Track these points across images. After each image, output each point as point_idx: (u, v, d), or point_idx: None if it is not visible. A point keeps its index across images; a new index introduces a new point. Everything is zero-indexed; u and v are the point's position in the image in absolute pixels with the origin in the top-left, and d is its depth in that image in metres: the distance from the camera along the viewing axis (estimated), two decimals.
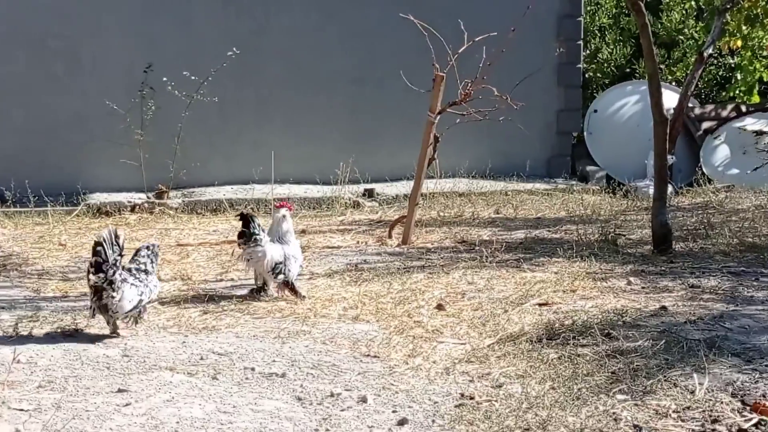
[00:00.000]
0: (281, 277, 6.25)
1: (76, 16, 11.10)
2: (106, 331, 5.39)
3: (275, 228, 6.45)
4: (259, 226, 6.25)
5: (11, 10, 10.91)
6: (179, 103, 10.79)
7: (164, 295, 6.40)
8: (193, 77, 10.77)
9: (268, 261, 6.20)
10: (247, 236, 6.21)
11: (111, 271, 5.16)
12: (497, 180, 12.02)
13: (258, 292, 6.36)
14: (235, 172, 11.42)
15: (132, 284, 5.31)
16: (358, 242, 8.64)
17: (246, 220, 6.23)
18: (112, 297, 5.17)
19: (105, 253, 5.16)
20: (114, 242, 5.26)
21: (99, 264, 5.14)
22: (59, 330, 5.42)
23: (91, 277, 5.14)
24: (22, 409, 4.13)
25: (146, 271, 5.49)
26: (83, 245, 8.38)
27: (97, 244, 5.21)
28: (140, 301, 5.32)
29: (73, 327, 5.48)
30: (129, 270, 5.40)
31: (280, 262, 6.23)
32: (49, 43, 11.02)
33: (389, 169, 11.75)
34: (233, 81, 11.36)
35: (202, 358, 4.97)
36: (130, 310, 5.29)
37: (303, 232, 9.12)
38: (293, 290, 6.29)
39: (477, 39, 8.58)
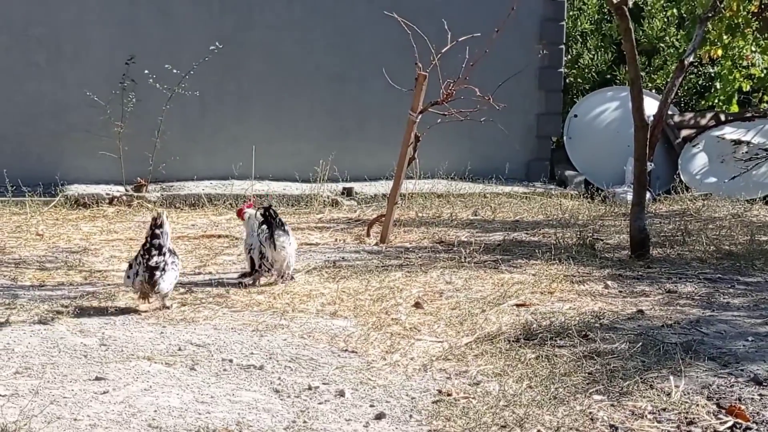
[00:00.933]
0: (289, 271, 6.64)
1: (59, 4, 11.05)
2: (83, 320, 5.37)
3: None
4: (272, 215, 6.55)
5: None
6: (160, 96, 10.76)
7: None
8: (174, 70, 10.74)
9: (288, 255, 6.55)
10: (279, 227, 6.54)
11: (168, 255, 5.67)
12: (476, 182, 12.04)
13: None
14: (215, 167, 11.39)
15: (172, 268, 5.75)
16: (336, 240, 8.64)
17: (268, 213, 6.54)
18: (162, 279, 5.62)
19: (164, 236, 5.65)
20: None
21: (161, 246, 5.64)
22: (37, 318, 5.39)
23: (155, 258, 5.59)
24: None
25: (174, 253, 5.88)
26: (60, 236, 8.35)
27: (158, 226, 5.68)
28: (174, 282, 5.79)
29: (50, 316, 5.45)
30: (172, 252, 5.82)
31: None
32: (31, 31, 10.96)
33: (369, 168, 11.75)
34: (215, 75, 11.34)
35: (180, 349, 4.96)
36: (168, 291, 5.74)
37: None
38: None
39: (460, 39, 8.61)
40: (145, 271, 5.62)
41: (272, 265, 6.48)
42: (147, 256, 5.63)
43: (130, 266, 5.72)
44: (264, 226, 6.47)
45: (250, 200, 7.08)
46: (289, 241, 6.54)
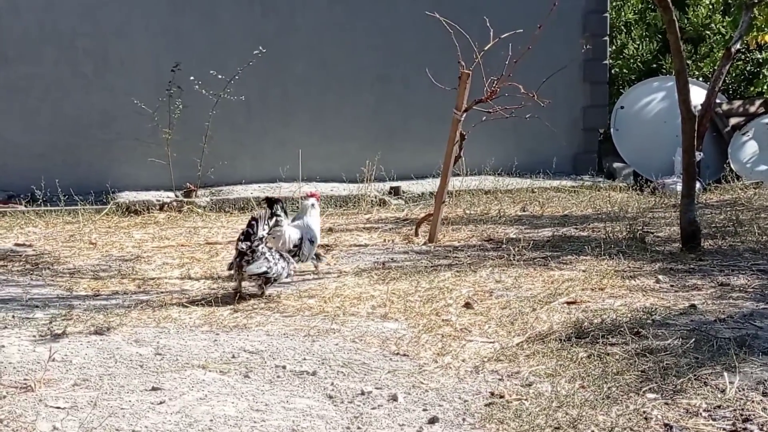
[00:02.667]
0: (296, 258, 6.85)
1: (104, 16, 11.21)
2: (138, 329, 5.46)
3: (301, 214, 7.15)
4: (282, 209, 6.84)
5: (41, 11, 11.01)
6: (206, 101, 10.86)
7: (195, 294, 6.47)
8: (219, 76, 10.84)
9: (285, 241, 6.81)
10: (278, 216, 6.82)
11: (256, 243, 6.24)
12: (523, 177, 12.01)
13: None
14: (262, 170, 11.48)
15: (265, 258, 6.28)
16: (384, 240, 8.67)
17: (270, 203, 6.78)
18: (247, 262, 6.22)
19: (256, 227, 6.23)
20: (267, 222, 6.43)
21: (249, 235, 6.22)
22: (93, 328, 5.48)
23: (240, 244, 6.22)
24: (58, 407, 4.19)
25: (282, 257, 6.49)
26: (113, 244, 8.47)
27: (253, 219, 6.29)
28: (266, 272, 6.27)
29: (106, 326, 5.54)
30: (270, 249, 6.42)
31: (297, 245, 6.90)
32: (78, 43, 11.13)
33: (415, 166, 11.77)
34: (259, 79, 11.42)
35: (233, 357, 5.01)
36: (257, 274, 6.26)
37: (330, 230, 9.17)
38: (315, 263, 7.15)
39: (503, 36, 8.59)
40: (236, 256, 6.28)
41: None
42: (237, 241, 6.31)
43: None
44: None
45: (312, 192, 7.64)
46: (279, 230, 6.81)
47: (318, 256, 7.27)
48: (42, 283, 6.90)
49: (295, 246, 6.88)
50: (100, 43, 11.19)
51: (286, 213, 6.90)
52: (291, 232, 6.88)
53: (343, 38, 11.98)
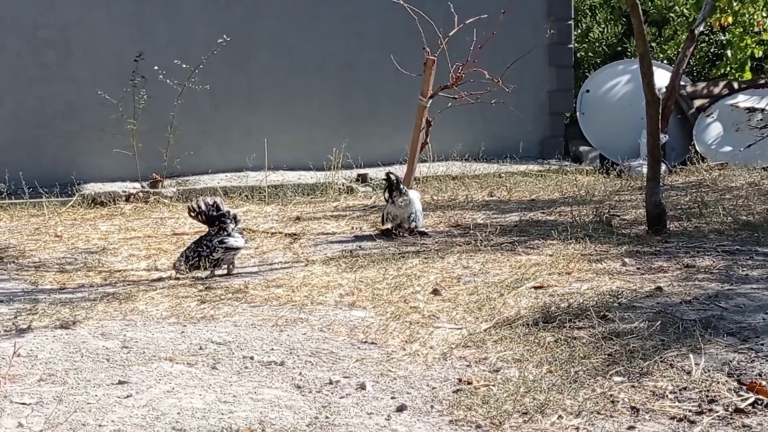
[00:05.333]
0: (414, 224, 8.09)
1: (66, 6, 11.09)
2: (105, 323, 5.43)
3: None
4: (398, 181, 8.08)
5: (0, 2, 10.87)
6: (171, 91, 10.79)
7: (161, 285, 6.43)
8: (184, 65, 10.77)
9: (411, 209, 8.07)
10: (396, 189, 8.06)
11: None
12: (490, 162, 12.04)
13: (387, 233, 8.12)
14: (229, 159, 11.43)
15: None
16: (352, 228, 8.66)
17: (390, 179, 8.09)
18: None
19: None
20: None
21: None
22: (58, 322, 5.44)
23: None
24: (24, 403, 4.16)
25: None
26: (79, 236, 8.41)
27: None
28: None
29: (72, 319, 5.49)
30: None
31: (413, 213, 8.09)
32: (40, 34, 11.00)
33: (382, 153, 11.76)
34: (224, 68, 11.36)
35: (201, 348, 4.99)
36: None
37: (297, 219, 9.15)
38: (422, 233, 8.08)
39: (467, 22, 8.59)
40: None
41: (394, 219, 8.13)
42: None
43: None
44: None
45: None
46: (406, 200, 8.09)
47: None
48: (6, 277, 6.84)
49: (412, 213, 8.08)
50: (62, 33, 11.07)
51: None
52: (415, 203, 8.11)
53: (307, 25, 11.93)
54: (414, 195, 8.27)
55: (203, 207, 6.80)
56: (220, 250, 6.69)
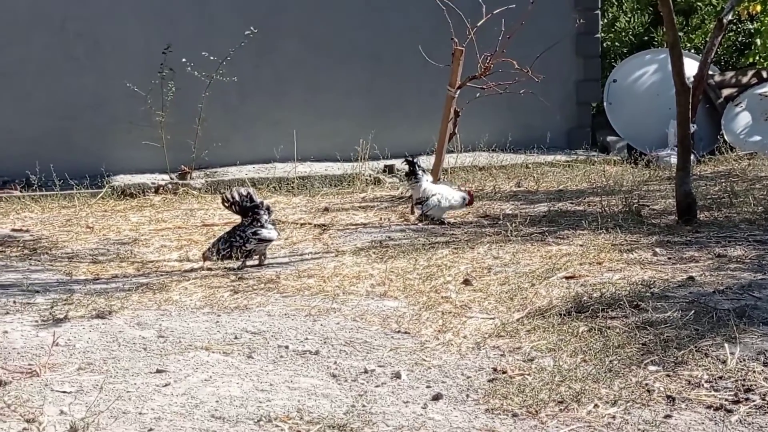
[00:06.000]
0: (420, 207, 8.36)
1: None
2: (140, 312, 5.49)
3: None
4: (419, 168, 8.37)
5: None
6: (199, 83, 10.83)
7: (194, 276, 6.48)
8: (211, 57, 10.80)
9: (419, 190, 8.33)
10: (411, 173, 8.42)
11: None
12: (518, 153, 12.02)
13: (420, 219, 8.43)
14: (256, 151, 11.46)
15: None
16: (381, 219, 8.68)
17: (411, 163, 8.42)
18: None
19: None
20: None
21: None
22: (94, 312, 5.49)
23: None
24: (64, 391, 4.21)
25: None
26: (110, 227, 8.47)
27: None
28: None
29: (107, 309, 5.54)
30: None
31: (426, 197, 8.29)
32: (69, 26, 11.06)
33: (409, 144, 11.73)
34: (251, 60, 11.39)
35: (236, 337, 5.03)
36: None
37: (326, 210, 9.18)
38: (430, 219, 8.32)
39: (495, 12, 8.58)
40: None
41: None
42: None
43: None
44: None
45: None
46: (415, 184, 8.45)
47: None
48: (41, 267, 6.91)
49: (426, 197, 8.31)
50: (91, 25, 11.12)
51: (424, 170, 8.44)
52: (428, 187, 8.34)
53: (333, 16, 11.94)
54: (441, 188, 8.42)
55: (237, 198, 6.84)
56: (253, 241, 6.72)
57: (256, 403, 4.09)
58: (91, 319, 5.37)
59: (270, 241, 6.85)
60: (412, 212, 8.72)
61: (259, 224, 6.78)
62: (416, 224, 8.35)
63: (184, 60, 10.77)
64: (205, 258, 6.78)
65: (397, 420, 3.94)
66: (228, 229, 7.10)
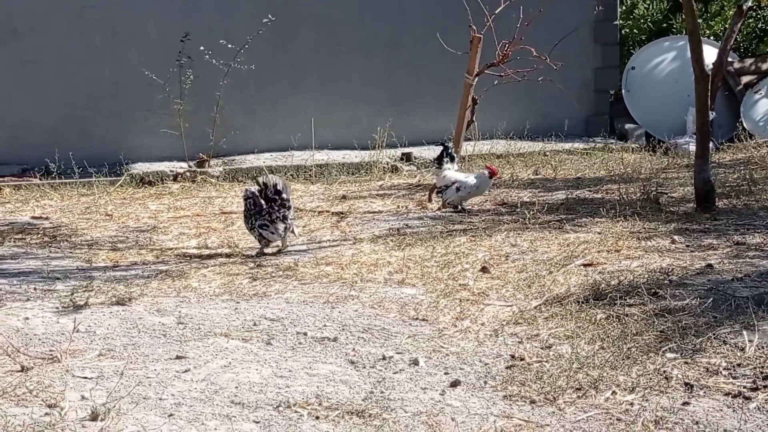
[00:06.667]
0: (440, 195, 8.41)
1: None
2: (159, 299, 5.53)
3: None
4: (448, 154, 8.35)
5: None
6: (217, 71, 10.85)
7: (213, 263, 6.51)
8: (229, 45, 10.82)
9: (440, 179, 8.38)
10: (438, 160, 8.45)
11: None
12: (535, 140, 11.99)
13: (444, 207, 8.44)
14: (274, 139, 11.48)
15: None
16: (398, 207, 8.69)
17: (444, 148, 8.41)
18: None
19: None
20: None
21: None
22: (114, 299, 5.53)
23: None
24: (86, 377, 4.25)
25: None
26: (129, 215, 8.52)
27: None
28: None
29: (127, 296, 5.58)
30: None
31: (445, 185, 8.30)
32: (86, 14, 11.10)
33: (426, 132, 11.74)
34: (269, 48, 11.39)
35: (255, 324, 5.06)
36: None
37: (343, 197, 9.20)
38: (453, 207, 8.32)
39: None
40: None
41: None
42: None
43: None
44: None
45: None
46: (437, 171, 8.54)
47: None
48: (61, 255, 6.95)
49: (442, 185, 8.37)
50: (109, 14, 11.16)
51: (452, 159, 8.42)
52: (450, 175, 8.34)
53: (351, 4, 11.93)
54: (462, 176, 8.42)
55: (262, 186, 6.86)
56: (256, 232, 6.78)
57: (275, 389, 4.12)
58: (111, 306, 5.41)
59: (270, 241, 6.83)
60: (429, 200, 8.72)
61: (269, 219, 6.75)
62: (434, 212, 8.35)
63: (202, 48, 10.79)
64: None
65: (415, 406, 3.96)
66: None
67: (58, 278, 6.08)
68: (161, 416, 3.83)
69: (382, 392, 4.10)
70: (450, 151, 8.47)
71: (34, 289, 5.82)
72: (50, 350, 4.61)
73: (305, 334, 4.89)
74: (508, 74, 8.61)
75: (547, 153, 11.39)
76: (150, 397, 4.00)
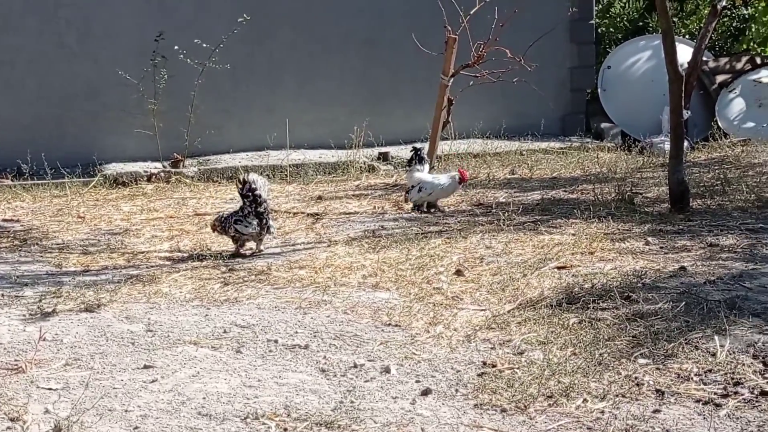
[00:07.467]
0: (410, 194, 8.39)
1: None
2: (129, 305, 5.46)
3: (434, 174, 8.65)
4: (418, 156, 8.42)
5: None
6: (192, 71, 10.78)
7: (184, 267, 6.46)
8: (204, 44, 10.75)
9: (409, 179, 8.42)
10: (409, 161, 8.56)
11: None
12: (512, 140, 11.99)
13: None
14: (250, 138, 11.42)
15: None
16: (374, 207, 8.66)
17: (415, 151, 8.48)
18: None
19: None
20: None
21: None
22: (83, 305, 5.46)
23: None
24: (50, 388, 4.19)
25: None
26: (102, 217, 8.44)
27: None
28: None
29: (96, 302, 5.52)
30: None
31: (412, 186, 8.34)
32: (61, 13, 11.00)
33: (403, 131, 11.72)
34: (245, 47, 11.33)
35: (225, 332, 5.01)
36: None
37: (319, 198, 9.15)
38: (417, 207, 8.32)
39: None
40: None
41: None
42: None
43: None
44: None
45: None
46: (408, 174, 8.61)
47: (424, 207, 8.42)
48: (31, 259, 6.88)
49: (412, 186, 8.36)
50: (83, 13, 11.06)
51: (422, 160, 8.42)
52: (419, 176, 8.34)
53: (328, 2, 11.88)
54: (430, 176, 8.41)
55: (242, 182, 6.92)
56: (233, 229, 6.81)
57: (243, 400, 4.07)
58: (79, 313, 5.35)
59: (245, 235, 6.87)
60: (406, 201, 8.69)
61: (242, 214, 6.79)
62: (410, 213, 8.32)
63: (176, 47, 10.72)
64: (213, 228, 7.01)
65: (385, 416, 3.92)
66: None
67: (26, 284, 6.01)
68: (126, 429, 3.78)
69: (352, 402, 4.06)
70: (420, 153, 8.51)
71: (2, 295, 5.74)
72: (15, 360, 4.55)
73: (276, 341, 4.85)
74: (484, 75, 8.58)
75: (524, 152, 11.39)
76: (115, 409, 3.95)
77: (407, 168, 8.60)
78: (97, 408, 3.92)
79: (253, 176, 6.95)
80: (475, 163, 10.83)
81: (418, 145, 8.72)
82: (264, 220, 6.84)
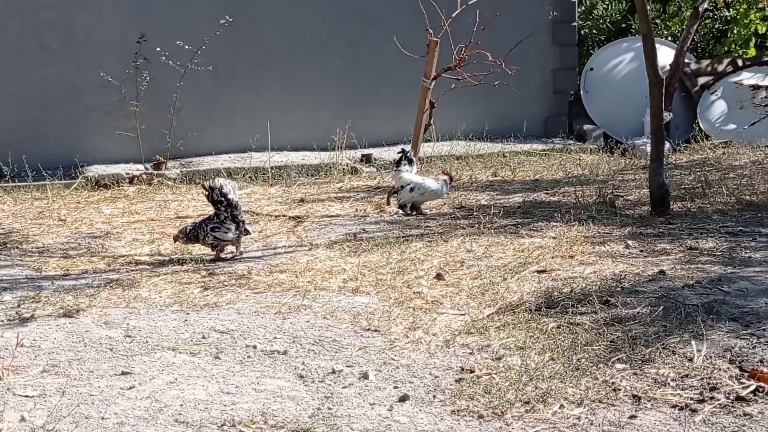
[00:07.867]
0: (395, 197, 8.45)
1: None
2: (108, 311, 5.45)
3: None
4: (407, 158, 8.45)
5: None
6: (174, 73, 10.76)
7: (165, 271, 6.44)
8: (186, 47, 10.74)
9: (397, 180, 8.43)
10: (396, 163, 8.59)
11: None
12: (495, 142, 12.02)
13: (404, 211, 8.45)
14: (232, 140, 11.41)
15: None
16: (356, 210, 8.66)
17: (402, 154, 8.53)
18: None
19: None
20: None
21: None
22: (62, 311, 5.44)
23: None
24: (27, 395, 4.17)
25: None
26: (83, 220, 8.41)
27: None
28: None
29: (75, 307, 5.50)
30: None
31: (401, 186, 8.36)
32: (42, 14, 10.96)
33: (386, 133, 11.74)
34: (227, 49, 11.32)
35: (204, 337, 5.00)
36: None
37: (301, 200, 9.14)
38: (403, 209, 8.38)
39: (470, 2, 8.56)
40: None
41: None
42: None
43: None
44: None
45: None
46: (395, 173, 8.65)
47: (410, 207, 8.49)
48: (10, 263, 6.85)
49: (401, 186, 8.40)
50: (65, 14, 11.03)
51: (410, 162, 8.48)
52: (406, 177, 8.38)
53: (311, 4, 11.88)
54: (419, 178, 8.46)
55: (210, 188, 6.86)
56: (210, 237, 6.76)
57: (220, 407, 4.07)
58: (58, 318, 5.33)
59: (225, 241, 6.84)
60: (388, 203, 8.70)
61: (218, 221, 6.77)
62: (392, 215, 8.33)
63: (158, 49, 10.70)
64: (175, 239, 6.93)
65: (362, 423, 3.92)
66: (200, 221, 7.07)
67: (5, 288, 5.99)
68: None
69: (329, 408, 4.06)
70: (408, 154, 8.53)
71: None
72: None
73: (255, 347, 4.84)
74: (465, 78, 8.59)
75: (506, 154, 11.42)
76: (92, 417, 3.93)
77: (394, 169, 8.64)
78: (73, 415, 3.91)
79: (220, 181, 6.93)
80: (459, 164, 10.84)
81: (406, 148, 8.73)
82: (241, 224, 6.83)
